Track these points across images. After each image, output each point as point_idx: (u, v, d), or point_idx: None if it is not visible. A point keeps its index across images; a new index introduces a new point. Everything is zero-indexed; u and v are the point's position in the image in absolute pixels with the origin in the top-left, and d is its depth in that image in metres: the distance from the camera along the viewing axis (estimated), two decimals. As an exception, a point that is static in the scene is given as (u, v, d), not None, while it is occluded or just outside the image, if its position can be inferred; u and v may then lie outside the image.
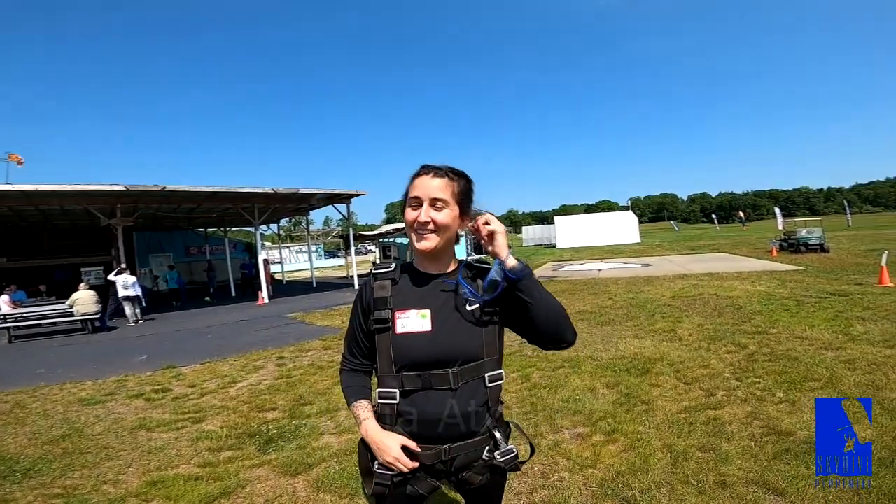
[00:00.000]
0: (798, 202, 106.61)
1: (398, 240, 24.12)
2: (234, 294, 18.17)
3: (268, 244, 32.40)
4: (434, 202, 1.26)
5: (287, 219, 27.51)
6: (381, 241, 24.67)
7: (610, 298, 10.28)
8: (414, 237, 1.29)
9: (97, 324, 10.58)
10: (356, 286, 17.55)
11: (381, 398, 1.30)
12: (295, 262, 36.05)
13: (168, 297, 16.90)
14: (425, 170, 1.31)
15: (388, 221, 73.60)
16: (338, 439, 3.74)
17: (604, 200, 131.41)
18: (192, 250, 23.85)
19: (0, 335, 10.41)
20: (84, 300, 10.38)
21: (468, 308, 1.31)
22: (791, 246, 18.62)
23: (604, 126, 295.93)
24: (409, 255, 22.42)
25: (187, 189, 13.29)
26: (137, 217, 14.64)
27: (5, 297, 11.15)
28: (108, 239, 14.76)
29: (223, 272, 20.00)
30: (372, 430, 1.30)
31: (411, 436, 1.28)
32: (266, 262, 16.40)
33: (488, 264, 1.38)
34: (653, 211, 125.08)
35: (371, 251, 35.31)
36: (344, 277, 23.00)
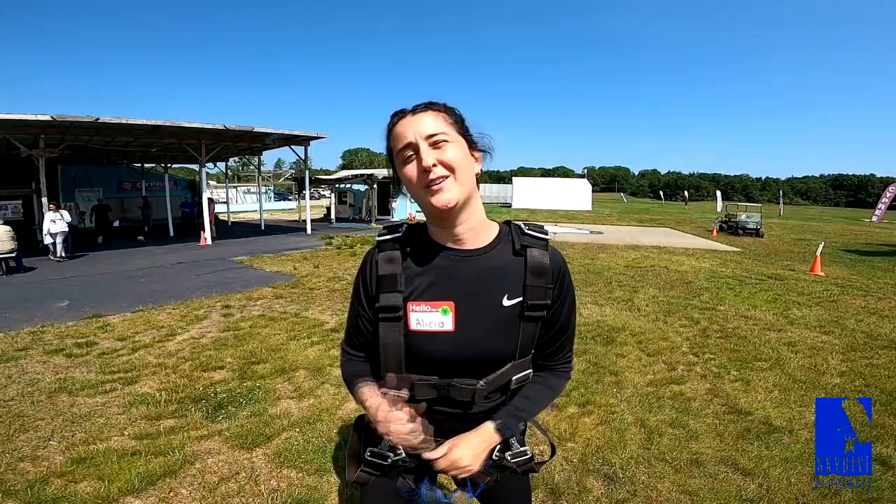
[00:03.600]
0: (737, 188, 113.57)
1: (355, 186, 23.19)
2: (172, 234, 16.84)
3: (213, 183, 30.16)
4: (431, 139, 0.93)
5: (236, 158, 25.61)
6: (336, 186, 23.59)
7: (568, 262, 10.36)
8: (425, 196, 0.94)
9: (13, 263, 9.31)
10: (309, 230, 16.77)
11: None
12: (242, 202, 34.01)
13: (95, 234, 15.52)
14: (400, 113, 0.98)
15: (343, 168, 71.06)
16: (297, 405, 3.43)
17: (560, 166, 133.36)
18: (125, 185, 21.65)
19: None
20: (-2, 236, 9.05)
21: (507, 302, 1.00)
22: (730, 228, 19.74)
23: (566, 94, 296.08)
24: (364, 209, 21.73)
25: (124, 121, 11.70)
26: (64, 149, 12.86)
27: None
28: (29, 170, 12.89)
29: (161, 210, 18.40)
30: (377, 406, 0.96)
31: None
32: (211, 200, 15.19)
33: (543, 231, 1.05)
34: (605, 181, 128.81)
35: (325, 196, 33.97)
36: (295, 221, 21.97)
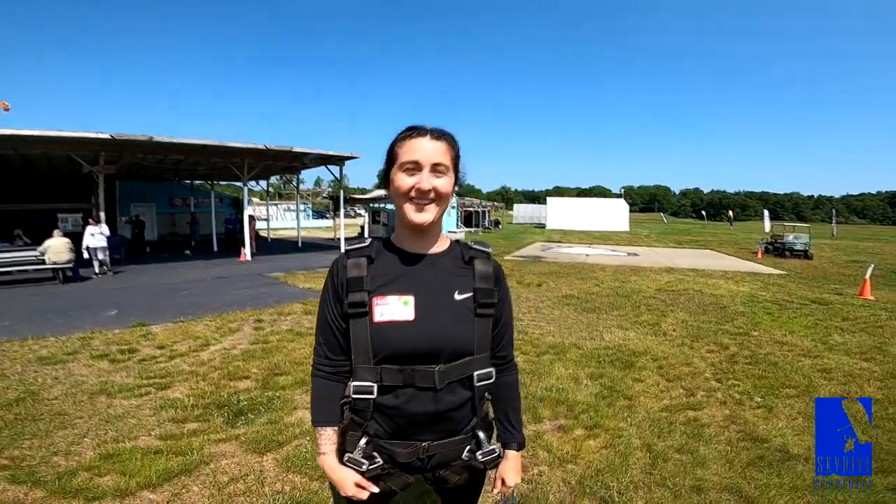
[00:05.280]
0: (787, 207, 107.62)
1: (388, 206, 23.80)
2: (216, 249, 17.81)
3: (255, 200, 31.75)
4: (435, 168, 1.11)
5: (277, 176, 26.87)
6: (370, 205, 24.29)
7: (597, 285, 10.28)
8: (410, 209, 1.12)
9: (69, 273, 10.19)
10: (342, 249, 17.27)
11: (356, 392, 1.16)
12: (282, 219, 35.55)
13: (141, 246, 16.95)
14: (419, 131, 1.14)
15: (378, 187, 72.71)
16: (311, 415, 3.60)
17: (597, 186, 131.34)
18: (176, 201, 23.21)
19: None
20: (57, 248, 9.92)
21: (458, 296, 1.17)
22: (776, 249, 18.80)
23: (604, 112, 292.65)
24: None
25: (176, 140, 12.69)
26: (121, 166, 14.05)
27: (-24, 242, 10.62)
28: (90, 186, 14.16)
29: (207, 225, 19.55)
30: (328, 466, 1.22)
31: (389, 431, 1.18)
32: (252, 218, 16.00)
33: (486, 246, 1.27)
34: (644, 201, 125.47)
35: (360, 215, 35.04)
36: (331, 239, 22.70)
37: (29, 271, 10.18)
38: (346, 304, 1.15)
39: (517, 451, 1.31)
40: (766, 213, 32.79)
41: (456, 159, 1.19)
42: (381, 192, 27.46)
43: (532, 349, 5.42)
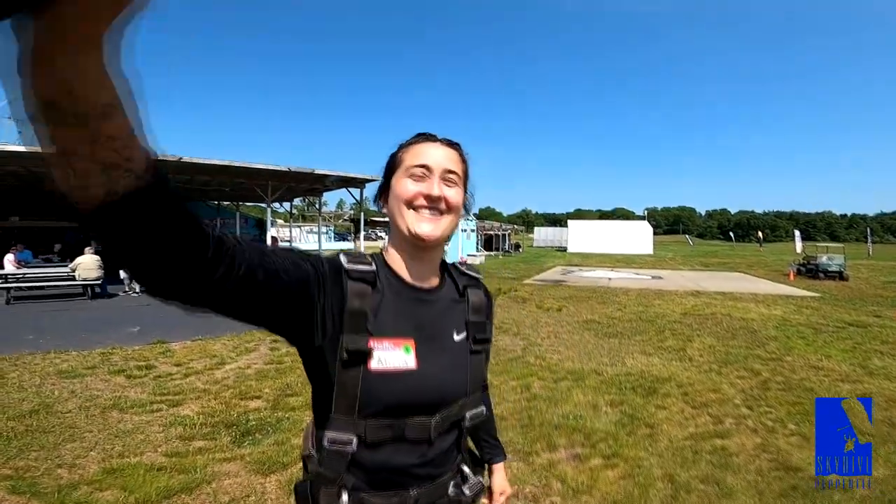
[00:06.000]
0: (819, 226, 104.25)
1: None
2: (239, 270, 18.18)
3: (280, 222, 32.54)
4: (447, 175, 0.95)
5: (301, 199, 27.50)
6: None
7: (619, 309, 9.99)
8: (413, 218, 0.92)
9: (97, 290, 10.53)
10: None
11: (330, 442, 0.92)
12: (305, 241, 36.28)
13: None
14: (429, 137, 0.99)
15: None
16: (318, 436, 3.54)
17: (619, 208, 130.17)
18: (204, 222, 23.92)
19: (-1, 295, 10.29)
20: (87, 265, 10.30)
21: (456, 337, 1.01)
22: (809, 271, 18.12)
23: (627, 133, 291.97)
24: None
25: (201, 161, 13.17)
26: (151, 186, 14.62)
27: (10, 256, 11.11)
28: None
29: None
30: None
31: (369, 483, 0.95)
32: (274, 239, 16.34)
33: (477, 272, 1.13)
34: (668, 223, 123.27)
35: (381, 237, 35.45)
36: (351, 262, 22.93)
37: (60, 287, 10.59)
38: (344, 350, 0.89)
39: (504, 460, 1.33)
40: (797, 233, 31.74)
41: (466, 176, 1.03)
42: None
43: (549, 375, 5.25)
